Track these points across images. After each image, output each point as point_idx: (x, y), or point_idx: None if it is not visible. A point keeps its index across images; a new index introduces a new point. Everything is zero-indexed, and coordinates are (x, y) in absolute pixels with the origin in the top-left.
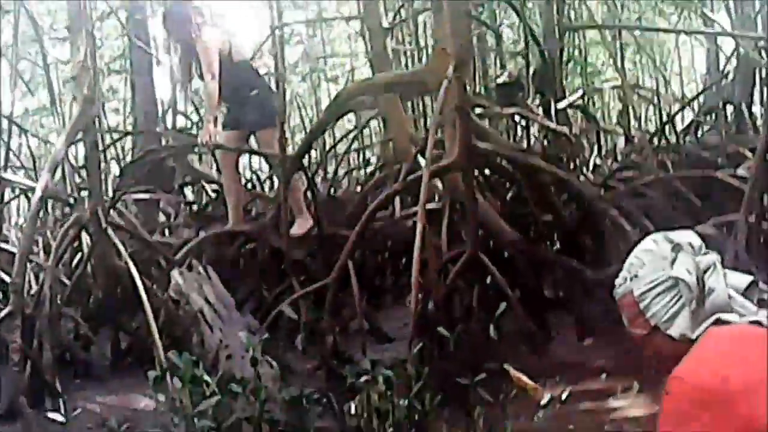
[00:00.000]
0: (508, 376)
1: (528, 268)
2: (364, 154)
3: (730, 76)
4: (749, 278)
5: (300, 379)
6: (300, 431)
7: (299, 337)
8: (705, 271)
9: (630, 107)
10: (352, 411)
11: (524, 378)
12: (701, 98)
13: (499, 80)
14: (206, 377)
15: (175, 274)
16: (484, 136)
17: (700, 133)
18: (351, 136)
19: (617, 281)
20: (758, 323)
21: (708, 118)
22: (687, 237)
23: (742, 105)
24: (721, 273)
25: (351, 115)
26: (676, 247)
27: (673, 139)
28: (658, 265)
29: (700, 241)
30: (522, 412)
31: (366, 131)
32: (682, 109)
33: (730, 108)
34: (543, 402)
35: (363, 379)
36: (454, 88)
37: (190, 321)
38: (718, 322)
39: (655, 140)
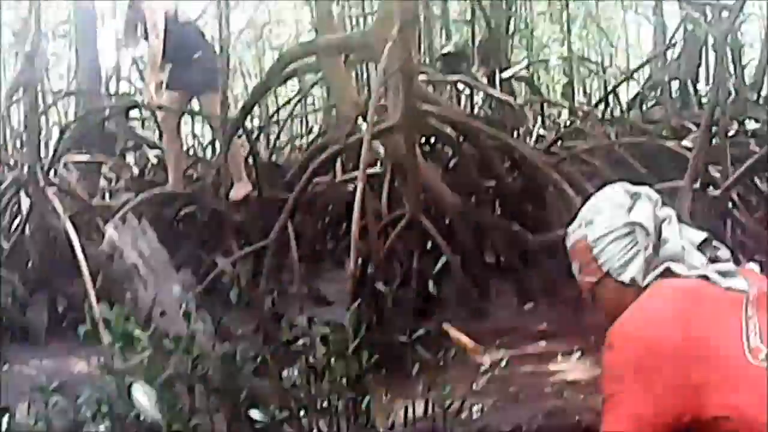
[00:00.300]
0: (448, 337)
1: (468, 232)
2: (307, 121)
3: (677, 52)
4: (704, 234)
5: (237, 341)
6: (234, 390)
7: (232, 292)
8: (662, 222)
9: (575, 80)
10: (295, 375)
11: (463, 338)
12: (647, 73)
13: (444, 50)
14: (138, 332)
15: (109, 228)
16: (427, 100)
17: (645, 107)
18: (294, 101)
19: (570, 229)
20: (706, 278)
21: (653, 93)
22: (645, 189)
23: (688, 82)
24: (676, 225)
25: (294, 83)
26: (634, 196)
27: (617, 112)
28: (614, 212)
29: (657, 195)
30: (462, 375)
31: (309, 99)
32: (626, 79)
33: (675, 84)
34: (483, 367)
35: (301, 342)
36: (397, 50)
37: (123, 276)
38: (668, 271)
39: (599, 112)
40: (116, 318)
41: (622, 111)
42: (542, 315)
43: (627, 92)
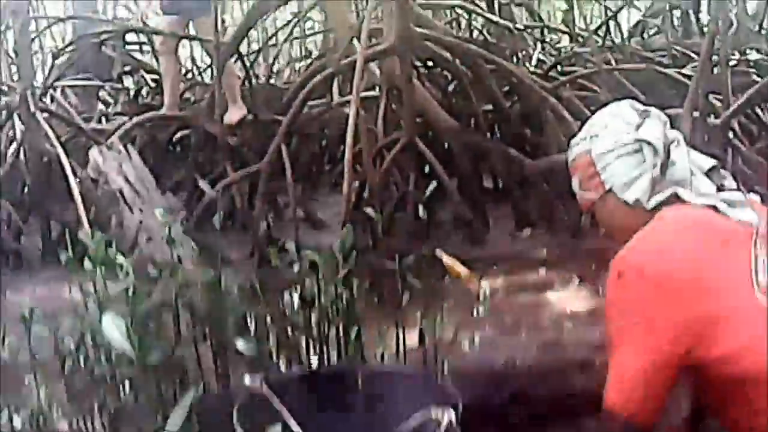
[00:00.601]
0: (441, 264)
1: (466, 156)
2: (305, 44)
3: None
4: (712, 161)
5: (231, 266)
6: (220, 317)
7: (215, 217)
8: (670, 143)
9: (575, 6)
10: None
11: (457, 265)
12: (648, 2)
13: None
14: (120, 259)
15: (94, 152)
16: (423, 24)
17: (646, 35)
18: (291, 24)
19: (573, 141)
20: (714, 208)
21: (655, 21)
22: (654, 109)
23: (689, 11)
24: (684, 148)
25: (293, 7)
26: (644, 113)
27: (618, 39)
28: (622, 128)
29: (666, 117)
30: (458, 304)
31: (309, 24)
32: (626, 5)
33: (677, 13)
34: (480, 295)
35: (296, 268)
36: None
37: (109, 201)
38: (675, 196)
39: (600, 39)
40: (97, 244)
41: (622, 38)
42: (540, 241)
43: (628, 20)
